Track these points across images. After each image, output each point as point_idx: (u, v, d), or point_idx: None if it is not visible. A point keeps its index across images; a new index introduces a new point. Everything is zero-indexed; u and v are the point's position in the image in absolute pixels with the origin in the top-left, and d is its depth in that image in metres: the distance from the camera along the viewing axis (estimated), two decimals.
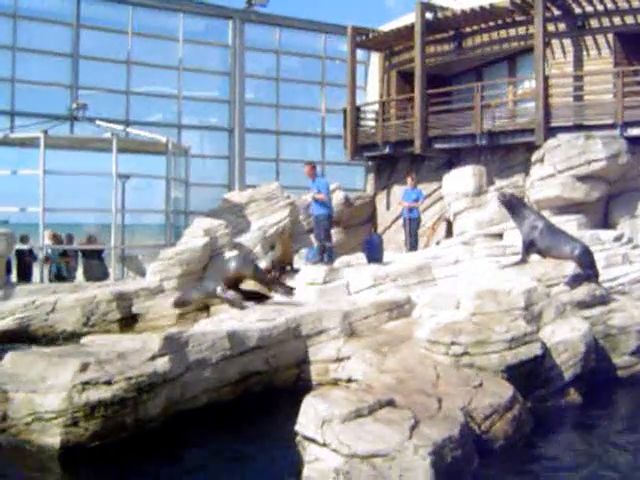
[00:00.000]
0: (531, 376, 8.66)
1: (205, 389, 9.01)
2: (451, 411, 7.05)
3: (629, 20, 17.58)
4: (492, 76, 21.00)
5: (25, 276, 16.94)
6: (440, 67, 21.64)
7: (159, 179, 19.13)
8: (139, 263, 18.67)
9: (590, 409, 9.06)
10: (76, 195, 19.07)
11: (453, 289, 10.99)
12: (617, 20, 17.78)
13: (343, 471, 6.13)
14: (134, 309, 15.13)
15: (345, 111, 22.30)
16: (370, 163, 23.43)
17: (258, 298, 12.12)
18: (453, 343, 8.57)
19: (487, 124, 18.58)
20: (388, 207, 21.92)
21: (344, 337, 10.54)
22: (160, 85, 21.95)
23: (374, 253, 15.10)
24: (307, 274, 13.44)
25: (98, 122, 19.27)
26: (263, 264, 16.75)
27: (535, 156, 17.18)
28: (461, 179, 18.18)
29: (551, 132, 17.15)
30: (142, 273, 17.75)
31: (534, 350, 8.66)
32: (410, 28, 20.41)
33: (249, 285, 12.66)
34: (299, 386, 9.86)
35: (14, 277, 16.88)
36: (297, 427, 6.73)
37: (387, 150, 21.27)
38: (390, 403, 6.93)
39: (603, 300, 11.00)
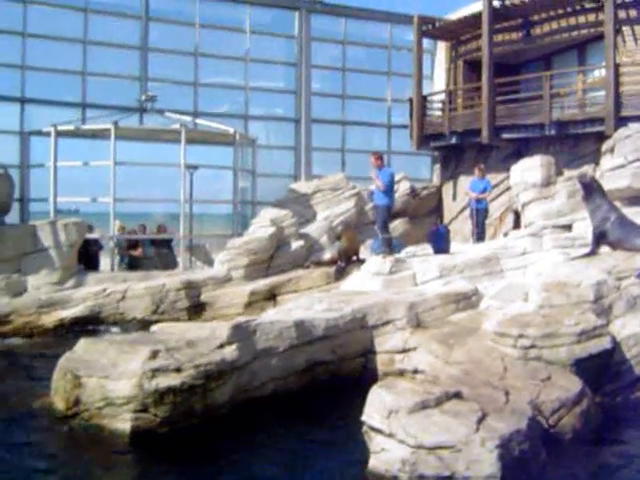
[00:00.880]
0: (600, 370, 8.54)
1: (272, 377, 9.13)
2: (518, 404, 7.01)
3: None
4: (561, 65, 20.55)
5: (91, 265, 17.14)
6: (508, 56, 21.27)
7: (227, 170, 19.40)
8: (207, 252, 18.95)
9: None
10: (145, 185, 19.51)
11: (521, 281, 10.88)
12: None
13: (409, 462, 6.17)
14: (202, 297, 15.43)
15: (411, 101, 22.16)
16: (436, 153, 23.28)
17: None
18: (521, 336, 8.49)
19: (556, 113, 18.27)
20: (454, 197, 21.74)
21: (410, 328, 10.51)
22: (227, 76, 22.11)
23: (441, 244, 15.00)
24: (373, 264, 13.43)
25: (167, 113, 19.56)
26: (328, 255, 16.93)
27: (605, 146, 16.77)
28: (529, 169, 17.88)
29: (622, 121, 16.69)
30: (209, 262, 18.04)
31: (604, 344, 8.52)
32: (477, 16, 20.17)
33: None
34: (365, 376, 9.90)
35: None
36: (363, 417, 6.78)
37: (454, 140, 21.09)
38: (457, 395, 6.93)
39: None
